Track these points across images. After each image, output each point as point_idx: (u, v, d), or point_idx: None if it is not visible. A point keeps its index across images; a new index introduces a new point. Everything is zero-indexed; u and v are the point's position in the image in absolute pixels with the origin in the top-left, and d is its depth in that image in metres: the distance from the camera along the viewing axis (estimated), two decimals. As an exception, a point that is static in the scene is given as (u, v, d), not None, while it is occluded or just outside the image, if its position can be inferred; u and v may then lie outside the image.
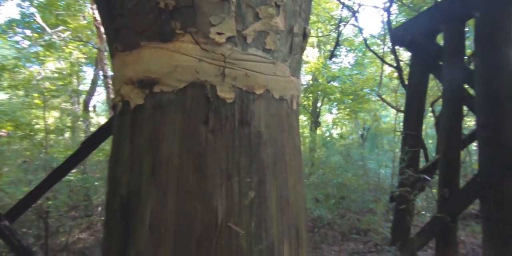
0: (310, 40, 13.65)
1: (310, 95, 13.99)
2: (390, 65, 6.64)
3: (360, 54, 11.90)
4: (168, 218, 0.76)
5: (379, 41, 10.43)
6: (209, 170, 0.78)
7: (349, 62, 11.69)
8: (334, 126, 15.99)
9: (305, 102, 15.02)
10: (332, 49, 6.57)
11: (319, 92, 11.72)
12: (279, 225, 0.82)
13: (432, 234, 4.15)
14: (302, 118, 16.39)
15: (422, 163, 6.17)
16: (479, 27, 3.85)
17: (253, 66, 0.86)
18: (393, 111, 9.26)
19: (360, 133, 11.69)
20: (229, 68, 0.83)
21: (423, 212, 7.01)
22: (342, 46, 11.76)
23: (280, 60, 0.94)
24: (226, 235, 0.75)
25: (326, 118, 16.96)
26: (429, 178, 4.30)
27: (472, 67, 4.77)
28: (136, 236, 0.77)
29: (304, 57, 13.08)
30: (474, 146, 7.57)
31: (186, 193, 0.77)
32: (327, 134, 13.65)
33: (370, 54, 11.18)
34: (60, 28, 9.51)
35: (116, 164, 0.90)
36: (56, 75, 10.64)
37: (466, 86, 4.49)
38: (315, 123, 14.01)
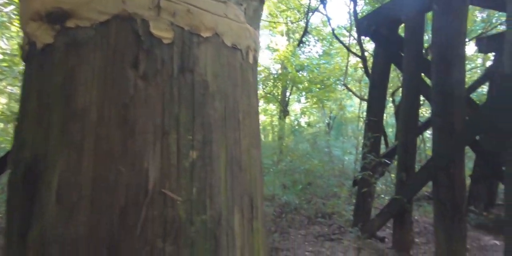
0: (279, 28, 13.57)
1: (279, 83, 14.04)
2: (356, 55, 6.77)
3: (328, 45, 12.07)
4: (82, 185, 0.58)
5: (346, 32, 10.62)
6: (139, 125, 0.62)
7: (317, 52, 11.81)
8: (302, 115, 16.28)
9: (274, 91, 15.06)
10: (301, 36, 6.53)
11: (288, 81, 11.76)
12: (229, 192, 0.68)
13: (390, 215, 4.33)
14: (272, 107, 16.45)
15: (383, 150, 6.44)
16: (436, 19, 3.98)
17: (198, 1, 0.70)
18: (358, 100, 9.56)
19: (326, 121, 11.98)
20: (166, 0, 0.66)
21: (382, 195, 7.37)
22: (310, 36, 11.82)
23: (233, 1, 0.78)
24: (159, 203, 0.59)
25: (295, 107, 17.18)
26: (388, 162, 4.46)
27: (429, 58, 4.97)
28: (41, 210, 0.59)
29: (273, 45, 12.96)
30: (428, 133, 8.06)
31: (107, 153, 0.60)
32: (296, 122, 13.84)
33: (337, 44, 11.37)
34: (2, 1, 8.36)
35: (22, 122, 0.70)
36: (-1, 56, 9.43)
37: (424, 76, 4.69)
38: (284, 111, 14.13)
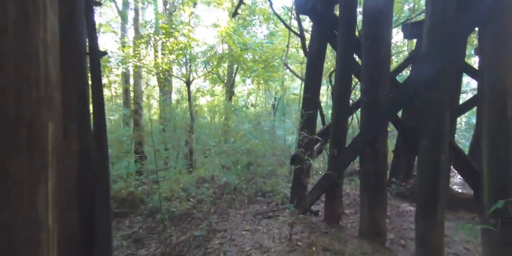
0: (224, 4, 12.92)
1: (225, 63, 13.59)
2: (295, 33, 6.71)
3: (273, 26, 11.91)
4: None
5: (289, 13, 10.53)
6: None
7: (261, 32, 11.59)
8: (249, 96, 16.20)
9: (221, 72, 14.57)
10: (236, 7, 6.18)
11: (232, 61, 11.39)
12: None
13: (323, 189, 4.51)
14: (218, 88, 15.98)
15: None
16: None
17: None
18: (300, 81, 9.74)
19: (271, 103, 12.06)
20: None
21: (320, 172, 7.76)
22: (256, 17, 11.50)
23: None
24: None
25: (242, 89, 16.96)
26: (320, 139, 4.57)
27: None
28: None
29: (214, 20, 12.27)
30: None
31: None
32: (242, 103, 13.69)
33: (282, 26, 11.28)
34: None
35: None
36: None
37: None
38: (230, 92, 13.84)
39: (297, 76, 8.64)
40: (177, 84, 15.64)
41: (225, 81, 13.89)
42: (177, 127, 8.65)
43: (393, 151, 6.74)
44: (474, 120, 14.27)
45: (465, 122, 14.83)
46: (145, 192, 5.86)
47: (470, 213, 5.37)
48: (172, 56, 7.31)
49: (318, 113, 8.09)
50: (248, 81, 14.31)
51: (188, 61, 7.52)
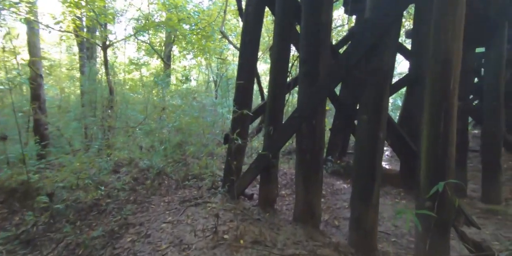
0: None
1: (163, 35, 11.92)
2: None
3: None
4: None
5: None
6: None
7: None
8: (186, 70, 14.85)
9: (158, 45, 12.85)
10: None
11: (171, 33, 9.93)
12: None
13: (257, 171, 4.04)
14: (157, 62, 14.21)
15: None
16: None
17: None
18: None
19: (212, 78, 11.13)
20: None
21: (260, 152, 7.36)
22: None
23: None
24: None
25: (184, 64, 15.39)
26: (251, 113, 4.02)
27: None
28: None
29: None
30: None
31: None
32: (181, 78, 12.42)
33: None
34: None
35: None
36: None
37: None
38: (165, 66, 12.39)
39: (234, 46, 7.89)
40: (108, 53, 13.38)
41: (162, 54, 12.34)
42: (95, 101, 7.24)
43: (330, 129, 6.64)
44: (399, 102, 15.55)
45: (391, 103, 16.07)
46: (44, 181, 4.67)
47: (396, 188, 5.56)
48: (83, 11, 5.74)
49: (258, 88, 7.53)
50: (190, 57, 12.96)
51: (97, 17, 6.03)
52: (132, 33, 8.39)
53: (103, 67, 8.54)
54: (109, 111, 6.80)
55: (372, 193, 2.80)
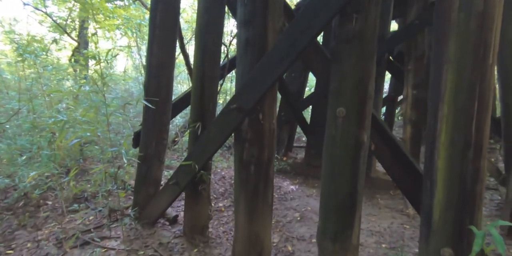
0: None
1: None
2: None
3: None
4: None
5: None
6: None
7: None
8: (113, 57, 12.14)
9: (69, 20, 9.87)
10: None
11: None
12: None
13: (178, 189, 2.71)
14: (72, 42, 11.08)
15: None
16: None
17: None
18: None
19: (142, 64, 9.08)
20: None
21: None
22: None
23: None
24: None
25: (106, 46, 12.47)
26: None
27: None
28: None
29: None
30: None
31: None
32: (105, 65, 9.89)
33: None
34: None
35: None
36: None
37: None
38: (82, 45, 9.71)
39: (145, 6, 6.23)
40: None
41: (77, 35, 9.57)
42: None
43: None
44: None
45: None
46: None
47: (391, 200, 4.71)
48: None
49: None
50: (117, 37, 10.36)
51: None
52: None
53: None
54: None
55: (352, 228, 1.77)
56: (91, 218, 3.28)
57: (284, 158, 5.52)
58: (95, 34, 7.92)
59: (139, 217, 3.02)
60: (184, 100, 3.60)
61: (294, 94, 5.24)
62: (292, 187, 4.89)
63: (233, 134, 2.37)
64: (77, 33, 10.26)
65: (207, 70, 2.68)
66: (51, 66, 5.97)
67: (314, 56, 2.15)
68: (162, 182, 3.46)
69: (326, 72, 2.04)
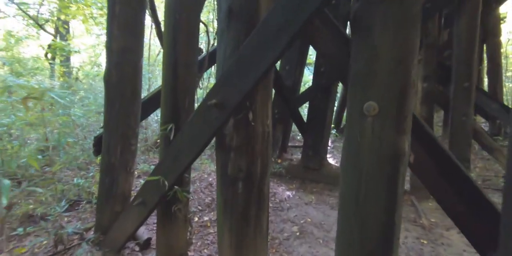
0: None
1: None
2: None
3: None
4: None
5: None
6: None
7: None
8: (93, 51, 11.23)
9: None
10: None
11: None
12: None
13: (145, 211, 2.08)
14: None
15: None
16: None
17: None
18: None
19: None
20: None
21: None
22: None
23: None
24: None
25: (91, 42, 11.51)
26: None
27: None
28: None
29: None
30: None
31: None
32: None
33: None
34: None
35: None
36: None
37: None
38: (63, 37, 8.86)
39: None
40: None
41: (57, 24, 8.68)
42: None
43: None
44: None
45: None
46: None
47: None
48: None
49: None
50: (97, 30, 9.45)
51: None
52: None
53: None
54: None
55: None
56: (44, 242, 2.62)
57: (279, 161, 4.93)
58: (63, 25, 7.08)
59: (102, 242, 2.38)
60: (155, 98, 2.94)
61: (289, 89, 4.64)
62: (288, 193, 4.30)
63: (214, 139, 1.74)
64: (54, 26, 9.41)
65: (180, 55, 2.04)
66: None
67: (323, 29, 1.53)
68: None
69: (340, 51, 1.43)
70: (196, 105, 2.15)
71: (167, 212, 2.09)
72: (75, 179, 3.03)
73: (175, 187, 1.94)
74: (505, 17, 6.29)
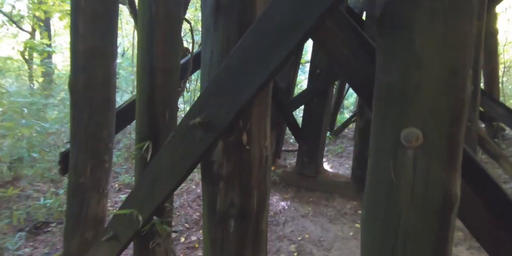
0: None
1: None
2: None
3: None
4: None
5: None
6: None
7: None
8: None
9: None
10: None
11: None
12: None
13: (120, 244, 1.71)
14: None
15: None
16: None
17: None
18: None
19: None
20: None
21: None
22: None
23: None
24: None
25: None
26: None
27: None
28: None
29: None
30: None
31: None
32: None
33: None
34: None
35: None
36: None
37: None
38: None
39: None
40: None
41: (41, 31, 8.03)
42: None
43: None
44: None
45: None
46: None
47: (347, 201, 4.06)
48: None
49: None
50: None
51: None
52: None
53: None
54: None
55: None
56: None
57: (273, 168, 4.61)
58: (38, 22, 6.53)
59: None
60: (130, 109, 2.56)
61: (283, 91, 4.32)
62: (283, 203, 4.00)
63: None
64: (32, 24, 8.76)
65: (158, 58, 1.68)
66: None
67: (335, 29, 1.20)
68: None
69: (358, 57, 1.11)
70: (180, 118, 1.81)
71: (145, 247, 1.73)
72: (42, 199, 2.62)
73: (154, 217, 1.59)
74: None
